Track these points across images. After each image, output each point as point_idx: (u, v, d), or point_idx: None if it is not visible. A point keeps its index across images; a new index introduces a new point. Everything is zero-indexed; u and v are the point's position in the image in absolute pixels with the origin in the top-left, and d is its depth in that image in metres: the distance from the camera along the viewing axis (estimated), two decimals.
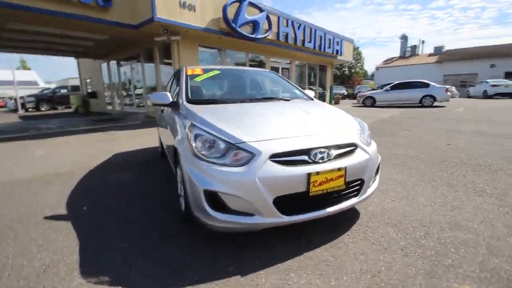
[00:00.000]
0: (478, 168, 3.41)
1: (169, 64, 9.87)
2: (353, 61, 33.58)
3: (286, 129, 1.97)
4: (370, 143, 2.20)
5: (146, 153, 4.99)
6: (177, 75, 3.66)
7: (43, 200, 2.86)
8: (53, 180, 3.56)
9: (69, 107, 17.90)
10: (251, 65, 11.90)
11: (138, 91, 12.02)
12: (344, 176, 1.85)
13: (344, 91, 26.95)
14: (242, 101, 2.67)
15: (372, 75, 42.14)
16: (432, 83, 13.66)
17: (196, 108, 2.33)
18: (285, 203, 1.73)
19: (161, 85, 10.15)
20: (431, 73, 31.89)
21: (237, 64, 11.58)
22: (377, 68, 37.76)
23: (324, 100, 16.90)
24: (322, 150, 1.83)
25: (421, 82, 13.95)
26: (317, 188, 1.77)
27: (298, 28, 12.02)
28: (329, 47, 14.46)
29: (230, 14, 8.96)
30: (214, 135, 1.85)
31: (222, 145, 1.79)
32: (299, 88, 3.37)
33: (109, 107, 14.56)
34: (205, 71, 3.14)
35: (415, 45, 38.61)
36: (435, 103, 13.42)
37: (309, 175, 1.73)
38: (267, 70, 3.84)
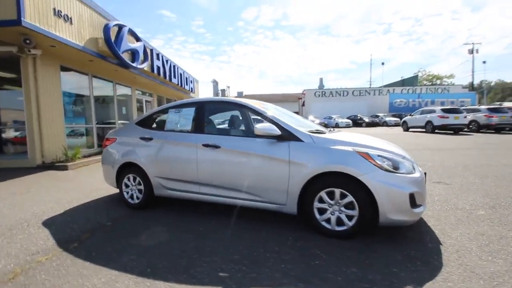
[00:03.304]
0: None
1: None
2: None
3: (388, 146, 2.88)
4: None
5: (101, 210, 3.56)
6: (223, 105, 3.52)
7: None
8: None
9: None
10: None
11: None
12: None
13: None
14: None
15: None
16: None
17: (333, 136, 2.67)
18: None
19: None
20: None
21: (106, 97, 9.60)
22: None
23: None
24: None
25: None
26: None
27: (167, 63, 12.04)
28: (187, 84, 15.33)
29: (112, 37, 7.73)
30: (387, 154, 2.45)
31: (399, 160, 2.44)
32: None
33: None
34: (264, 105, 3.25)
35: (223, 89, 47.57)
36: None
37: (425, 173, 2.78)
38: None
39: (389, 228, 2.62)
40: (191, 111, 3.36)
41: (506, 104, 31.08)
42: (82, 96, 8.46)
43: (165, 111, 3.62)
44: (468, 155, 7.25)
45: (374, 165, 2.36)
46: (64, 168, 6.35)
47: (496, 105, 24.09)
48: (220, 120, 4.73)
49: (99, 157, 7.94)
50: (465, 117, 15.94)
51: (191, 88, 16.39)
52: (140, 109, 12.33)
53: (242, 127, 3.41)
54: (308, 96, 34.46)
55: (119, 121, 10.28)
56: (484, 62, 41.26)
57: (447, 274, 1.90)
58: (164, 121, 3.56)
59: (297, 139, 2.68)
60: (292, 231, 2.69)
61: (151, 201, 3.53)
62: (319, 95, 34.17)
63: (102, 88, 9.52)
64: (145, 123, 3.69)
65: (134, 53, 8.99)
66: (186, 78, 15.27)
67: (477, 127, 16.08)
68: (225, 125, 4.09)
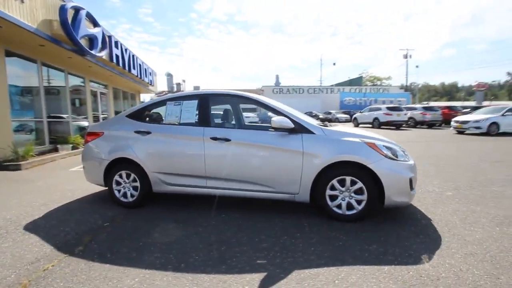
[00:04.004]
0: None
1: None
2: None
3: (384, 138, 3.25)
4: None
5: (89, 211, 3.29)
6: (235, 100, 3.66)
7: None
8: None
9: None
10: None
11: None
12: None
13: None
14: None
15: None
16: None
17: (338, 129, 2.90)
18: None
19: None
20: None
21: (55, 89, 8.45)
22: None
23: None
24: None
25: None
26: None
27: (126, 52, 11.12)
28: (146, 76, 14.36)
29: (68, 20, 6.87)
30: (388, 144, 2.77)
31: (397, 149, 2.78)
32: None
33: None
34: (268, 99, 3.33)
35: (179, 83, 45.61)
36: None
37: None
38: None
39: (386, 210, 2.96)
40: (193, 104, 3.27)
41: (432, 103, 36.55)
42: (30, 86, 7.37)
43: (162, 103, 3.44)
44: (418, 147, 8.38)
45: (381, 154, 2.65)
46: (17, 168, 5.51)
47: (424, 104, 28.16)
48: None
49: (54, 154, 7.11)
50: (405, 114, 18.21)
51: (150, 81, 15.42)
52: (94, 102, 11.20)
53: (253, 120, 3.46)
54: (266, 92, 35.20)
55: (72, 115, 9.22)
56: (417, 66, 48.01)
57: (447, 243, 2.28)
58: (162, 114, 3.39)
59: (308, 131, 2.84)
60: (304, 219, 2.86)
61: (147, 198, 3.35)
62: (277, 92, 35.22)
63: (52, 77, 8.40)
64: (138, 116, 3.45)
65: (92, 40, 8.13)
66: (145, 70, 14.31)
67: (414, 123, 18.48)
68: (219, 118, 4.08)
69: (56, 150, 7.62)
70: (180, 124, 3.24)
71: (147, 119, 3.50)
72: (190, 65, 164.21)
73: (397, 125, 17.81)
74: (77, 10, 7.34)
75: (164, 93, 45.35)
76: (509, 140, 9.78)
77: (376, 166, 2.61)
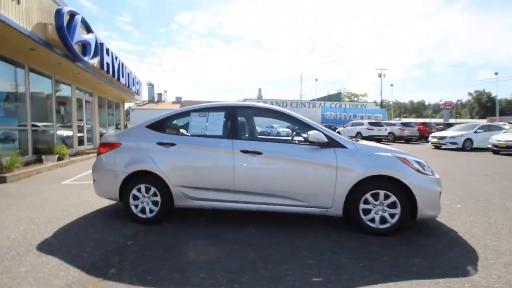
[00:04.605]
0: None
1: None
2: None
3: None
4: None
5: (103, 228, 3.08)
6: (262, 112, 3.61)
7: None
8: None
9: None
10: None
11: None
12: None
13: None
14: None
15: (125, 115, 42.23)
16: None
17: (369, 144, 2.97)
18: None
19: None
20: None
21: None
22: (132, 110, 38.84)
23: None
24: None
25: None
26: None
27: (116, 60, 10.78)
28: (133, 85, 13.95)
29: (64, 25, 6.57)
30: (418, 159, 2.88)
31: (425, 164, 2.90)
32: None
33: None
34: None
35: (160, 93, 44.76)
36: None
37: None
38: None
39: (411, 224, 3.04)
40: (220, 116, 3.22)
41: (404, 119, 38.96)
42: (16, 92, 6.86)
43: (186, 114, 3.34)
44: None
45: (412, 168, 2.76)
46: (2, 180, 5.01)
47: (396, 120, 29.89)
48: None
49: (39, 166, 6.60)
50: (385, 129, 19.19)
51: (137, 90, 14.99)
52: (79, 110, 10.63)
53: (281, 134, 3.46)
54: None
55: (57, 124, 8.66)
56: (391, 85, 50.77)
57: (482, 254, 2.38)
58: (186, 126, 3.30)
59: (341, 146, 2.89)
60: (338, 234, 2.86)
61: (167, 214, 3.19)
62: None
63: (38, 83, 7.89)
64: (159, 127, 3.31)
65: (85, 46, 7.80)
66: (133, 79, 13.91)
67: (393, 138, 19.47)
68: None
69: (40, 161, 7.06)
70: (208, 136, 3.16)
71: (170, 130, 3.37)
72: (170, 75, 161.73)
73: (377, 140, 18.65)
74: (72, 15, 7.05)
75: (145, 103, 44.16)
76: (483, 156, 10.57)
77: (409, 181, 2.70)
